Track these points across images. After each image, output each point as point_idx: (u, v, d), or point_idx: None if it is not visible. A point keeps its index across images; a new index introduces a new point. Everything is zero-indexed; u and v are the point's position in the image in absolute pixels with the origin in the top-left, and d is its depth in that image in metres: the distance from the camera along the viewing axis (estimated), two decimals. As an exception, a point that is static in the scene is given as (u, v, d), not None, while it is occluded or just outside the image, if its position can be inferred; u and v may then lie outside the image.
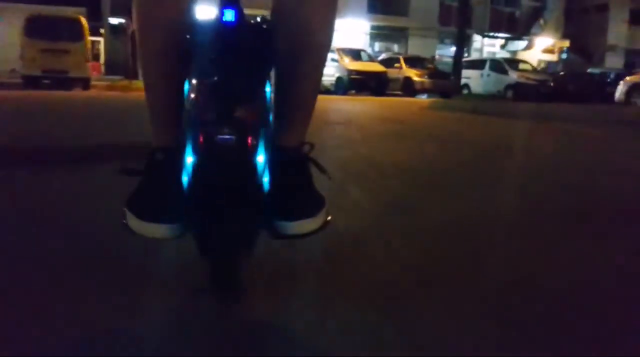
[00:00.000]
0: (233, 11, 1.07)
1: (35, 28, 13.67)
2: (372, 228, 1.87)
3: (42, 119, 5.77)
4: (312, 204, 1.24)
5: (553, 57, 33.51)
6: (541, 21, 33.29)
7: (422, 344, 1.06)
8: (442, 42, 30.85)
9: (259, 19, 1.27)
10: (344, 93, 17.96)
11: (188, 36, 1.14)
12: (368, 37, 30.61)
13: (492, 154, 4.18)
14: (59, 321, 1.12)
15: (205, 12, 1.22)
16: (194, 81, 1.07)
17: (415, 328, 1.12)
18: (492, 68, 21.71)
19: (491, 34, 33.01)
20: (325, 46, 1.32)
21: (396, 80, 19.68)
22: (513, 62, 23.22)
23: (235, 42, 1.08)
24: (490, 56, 27.99)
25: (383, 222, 1.96)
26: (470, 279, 1.40)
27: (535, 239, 1.78)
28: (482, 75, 21.79)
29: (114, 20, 26.42)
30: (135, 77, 16.21)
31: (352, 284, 1.34)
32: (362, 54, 21.09)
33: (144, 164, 1.24)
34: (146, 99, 1.27)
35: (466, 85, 22.24)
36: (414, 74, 19.71)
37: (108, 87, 14.93)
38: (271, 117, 1.15)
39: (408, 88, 19.30)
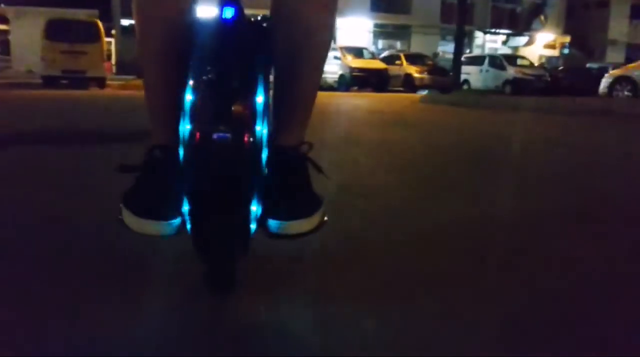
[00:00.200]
0: (233, 9, 1.08)
1: (55, 31, 14.61)
2: (372, 228, 1.85)
3: (70, 113, 6.53)
4: (308, 204, 1.23)
5: (554, 53, 34.00)
6: (541, 17, 33.86)
7: (422, 344, 1.05)
8: (444, 39, 31.50)
9: (259, 18, 1.30)
10: (347, 89, 18.78)
11: (188, 34, 1.14)
12: (371, 35, 31.39)
13: (462, 138, 4.98)
14: (57, 321, 1.11)
15: (206, 11, 1.23)
16: (192, 79, 1.06)
17: (415, 329, 1.11)
18: (490, 64, 22.39)
19: (492, 30, 33.65)
20: (325, 46, 1.32)
21: (397, 76, 20.51)
22: (511, 58, 23.89)
23: (234, 40, 1.08)
24: (492, 52, 28.58)
25: (382, 221, 1.95)
26: (471, 279, 1.39)
27: (535, 238, 1.76)
28: (481, 71, 22.45)
29: (125, 22, 27.34)
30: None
31: (351, 284, 1.33)
32: (364, 51, 21.99)
33: (142, 161, 1.24)
34: (145, 97, 1.27)
35: (466, 81, 22.90)
36: (414, 71, 20.56)
37: (122, 86, 15.75)
38: (269, 116, 1.15)
39: (408, 84, 20.13)
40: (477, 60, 23.29)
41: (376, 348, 1.04)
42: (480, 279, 1.40)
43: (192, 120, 1.04)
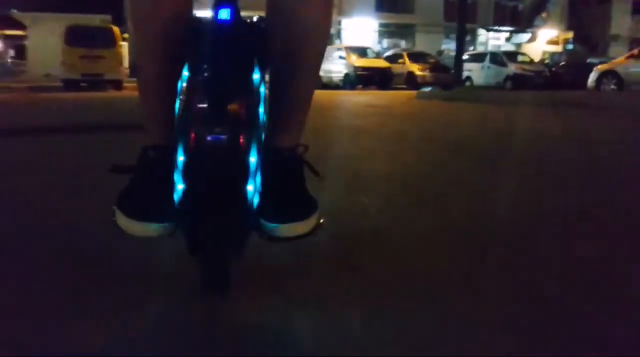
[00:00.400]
0: (228, 10, 1.07)
1: (74, 37, 15.64)
2: (371, 227, 1.86)
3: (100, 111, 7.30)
4: (304, 206, 1.23)
5: (557, 49, 34.47)
6: (543, 14, 34.41)
7: (422, 344, 1.05)
8: (447, 37, 32.13)
9: (255, 19, 1.29)
10: (352, 88, 19.59)
11: (184, 34, 1.14)
12: (377, 34, 32.17)
13: (450, 128, 5.75)
14: (57, 321, 1.12)
15: (202, 11, 1.21)
16: (187, 79, 1.06)
17: (415, 329, 1.11)
18: (491, 61, 23.05)
19: (495, 27, 34.29)
20: (322, 46, 1.31)
21: (400, 74, 21.32)
22: (512, 54, 24.53)
23: (230, 40, 1.08)
24: (495, 49, 29.18)
25: (381, 221, 1.95)
26: (470, 279, 1.39)
27: (535, 238, 1.75)
28: (482, 67, 23.11)
29: (137, 26, 28.09)
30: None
31: (350, 284, 1.34)
32: (368, 51, 22.86)
33: (136, 162, 1.23)
34: (140, 97, 1.26)
35: (468, 78, 23.52)
36: (416, 69, 21.40)
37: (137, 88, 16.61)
38: (265, 117, 1.14)
39: (411, 82, 20.93)
40: (478, 58, 23.91)
41: (376, 348, 1.04)
42: (481, 279, 1.40)
43: (187, 122, 1.04)
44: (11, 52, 32.55)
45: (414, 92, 12.92)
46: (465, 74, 23.15)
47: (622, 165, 3.23)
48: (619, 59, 15.13)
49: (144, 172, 1.22)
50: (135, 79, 1.35)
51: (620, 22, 34.70)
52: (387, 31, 32.84)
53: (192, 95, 1.05)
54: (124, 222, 1.20)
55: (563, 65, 24.63)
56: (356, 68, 20.48)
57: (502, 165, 3.13)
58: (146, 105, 1.26)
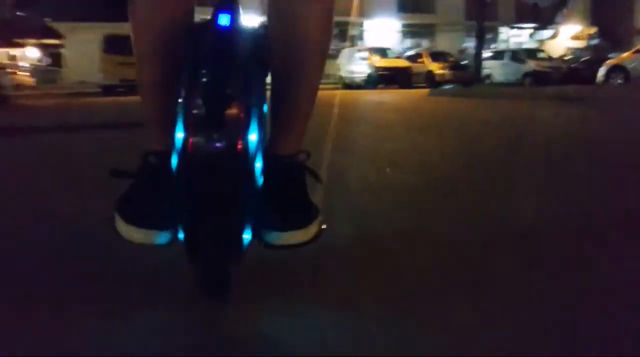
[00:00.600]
0: (228, 15, 1.06)
1: (112, 45, 16.83)
2: (371, 227, 1.86)
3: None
4: (304, 214, 1.22)
5: (581, 44, 34.41)
6: (564, 10, 34.45)
7: (422, 344, 1.06)
8: (469, 35, 32.43)
9: (256, 25, 1.30)
10: (374, 87, 20.46)
11: (184, 39, 1.14)
12: (399, 35, 32.78)
13: (432, 118, 6.51)
14: (57, 321, 1.13)
15: (203, 16, 1.20)
16: (185, 85, 1.06)
17: (415, 329, 1.11)
18: (511, 58, 23.49)
19: (517, 25, 34.54)
20: (324, 51, 1.30)
21: (420, 74, 22.01)
22: (532, 52, 24.92)
23: (229, 46, 1.07)
24: (515, 47, 29.41)
25: (381, 222, 1.96)
26: (471, 279, 1.40)
27: (535, 239, 1.74)
28: (502, 65, 23.54)
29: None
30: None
31: (349, 285, 1.34)
32: (388, 51, 23.67)
33: (137, 168, 1.23)
34: (141, 102, 1.25)
35: (489, 75, 23.90)
36: (435, 67, 22.17)
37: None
38: (265, 124, 1.13)
39: (430, 80, 21.64)
40: (498, 55, 24.33)
41: (376, 349, 1.04)
42: (481, 279, 1.39)
43: (185, 128, 1.03)
44: (48, 60, 34.09)
45: (425, 90, 13.47)
46: (485, 71, 23.58)
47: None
48: (626, 54, 15.51)
49: (145, 178, 1.23)
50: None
51: (645, 16, 34.45)
52: (409, 31, 33.33)
53: (191, 101, 1.04)
54: (124, 228, 1.20)
55: (585, 60, 24.75)
56: (377, 68, 21.31)
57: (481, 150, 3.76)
58: (147, 111, 1.26)
